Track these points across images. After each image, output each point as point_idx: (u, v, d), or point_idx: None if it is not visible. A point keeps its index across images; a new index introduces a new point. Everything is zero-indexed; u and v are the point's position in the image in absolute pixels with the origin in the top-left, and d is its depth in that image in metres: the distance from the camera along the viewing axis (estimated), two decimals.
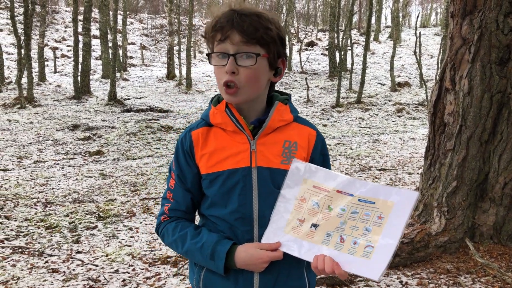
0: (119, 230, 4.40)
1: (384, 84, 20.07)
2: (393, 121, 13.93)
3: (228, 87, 1.15)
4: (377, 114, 14.96)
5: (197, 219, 1.32)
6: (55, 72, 22.78)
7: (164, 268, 3.51)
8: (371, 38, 29.31)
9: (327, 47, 23.65)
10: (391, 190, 1.07)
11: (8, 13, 22.70)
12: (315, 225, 1.12)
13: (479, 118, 3.60)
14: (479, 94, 3.60)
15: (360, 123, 13.54)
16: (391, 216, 1.04)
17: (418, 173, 6.77)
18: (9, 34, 26.62)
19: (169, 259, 3.66)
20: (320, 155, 1.28)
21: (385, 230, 1.04)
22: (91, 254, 3.79)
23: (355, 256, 1.04)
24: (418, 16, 27.34)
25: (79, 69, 16.15)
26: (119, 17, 26.04)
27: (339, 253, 1.07)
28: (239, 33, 1.12)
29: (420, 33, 21.01)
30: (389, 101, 16.86)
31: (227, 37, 1.13)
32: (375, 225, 1.05)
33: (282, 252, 1.14)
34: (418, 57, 18.16)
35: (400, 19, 32.21)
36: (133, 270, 3.49)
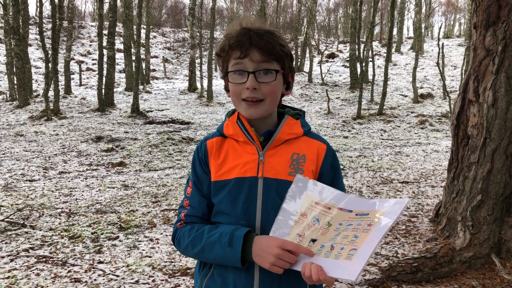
0: (140, 241, 4.45)
1: (406, 96, 19.83)
2: (416, 133, 13.71)
3: (248, 101, 1.20)
4: (399, 126, 14.77)
5: None
6: (80, 85, 23.38)
7: (183, 279, 3.53)
8: (393, 50, 29.10)
9: (348, 58, 23.56)
10: (386, 201, 1.10)
11: (37, 29, 23.50)
12: (313, 240, 1.14)
13: (504, 131, 3.52)
14: (504, 106, 3.52)
15: (382, 135, 13.39)
16: (379, 222, 1.06)
17: (441, 186, 6.63)
18: (37, 49, 27.54)
19: (188, 271, 3.68)
20: (330, 169, 1.30)
21: (371, 234, 1.05)
22: (112, 265, 3.84)
23: (339, 260, 1.05)
24: (441, 27, 27.04)
25: (103, 82, 16.52)
26: (143, 31, 26.60)
27: (326, 259, 1.08)
28: (258, 51, 1.18)
29: (443, 44, 20.75)
30: (412, 112, 16.63)
31: (246, 55, 1.18)
32: (363, 232, 1.07)
33: (294, 258, 1.12)
34: (441, 68, 17.91)
35: (423, 30, 31.91)
36: (153, 281, 3.51)
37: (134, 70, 17.08)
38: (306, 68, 25.46)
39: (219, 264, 1.24)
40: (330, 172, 1.29)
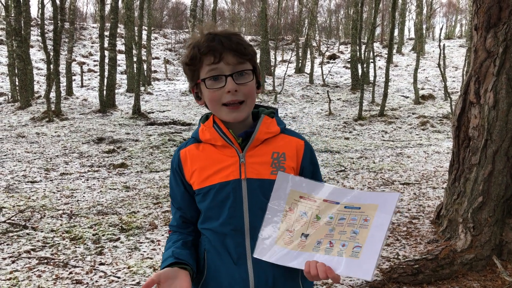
0: (141, 243, 4.45)
1: (407, 97, 19.81)
2: (417, 134, 13.71)
3: (230, 106, 1.20)
4: (400, 127, 14.76)
5: None
6: (82, 86, 23.41)
7: None
8: (394, 51, 29.09)
9: (349, 60, 23.57)
10: (375, 195, 1.13)
11: (39, 30, 23.56)
12: (305, 235, 1.15)
13: (505, 132, 3.52)
14: (505, 108, 3.52)
15: (383, 136, 13.38)
16: (376, 217, 1.08)
17: (442, 188, 6.62)
18: (39, 50, 27.59)
19: None
20: (310, 164, 1.32)
21: (371, 230, 1.07)
22: (113, 266, 3.84)
23: (344, 257, 1.07)
24: (442, 28, 27.05)
25: (105, 83, 16.55)
26: (144, 33, 26.62)
27: (329, 257, 1.09)
28: (232, 54, 1.18)
29: (444, 45, 20.74)
30: (413, 114, 16.62)
31: (221, 59, 1.18)
32: (361, 227, 1.08)
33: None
34: (442, 69, 17.90)
35: (424, 31, 31.90)
36: None
37: (135, 71, 17.10)
38: (307, 69, 25.47)
39: None
40: (310, 167, 1.32)
